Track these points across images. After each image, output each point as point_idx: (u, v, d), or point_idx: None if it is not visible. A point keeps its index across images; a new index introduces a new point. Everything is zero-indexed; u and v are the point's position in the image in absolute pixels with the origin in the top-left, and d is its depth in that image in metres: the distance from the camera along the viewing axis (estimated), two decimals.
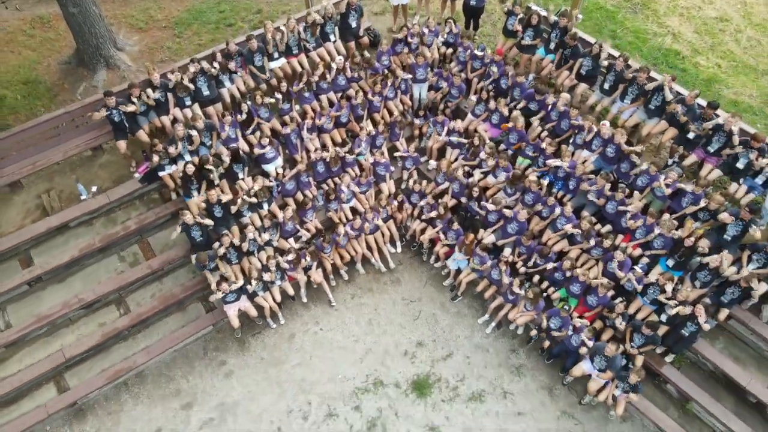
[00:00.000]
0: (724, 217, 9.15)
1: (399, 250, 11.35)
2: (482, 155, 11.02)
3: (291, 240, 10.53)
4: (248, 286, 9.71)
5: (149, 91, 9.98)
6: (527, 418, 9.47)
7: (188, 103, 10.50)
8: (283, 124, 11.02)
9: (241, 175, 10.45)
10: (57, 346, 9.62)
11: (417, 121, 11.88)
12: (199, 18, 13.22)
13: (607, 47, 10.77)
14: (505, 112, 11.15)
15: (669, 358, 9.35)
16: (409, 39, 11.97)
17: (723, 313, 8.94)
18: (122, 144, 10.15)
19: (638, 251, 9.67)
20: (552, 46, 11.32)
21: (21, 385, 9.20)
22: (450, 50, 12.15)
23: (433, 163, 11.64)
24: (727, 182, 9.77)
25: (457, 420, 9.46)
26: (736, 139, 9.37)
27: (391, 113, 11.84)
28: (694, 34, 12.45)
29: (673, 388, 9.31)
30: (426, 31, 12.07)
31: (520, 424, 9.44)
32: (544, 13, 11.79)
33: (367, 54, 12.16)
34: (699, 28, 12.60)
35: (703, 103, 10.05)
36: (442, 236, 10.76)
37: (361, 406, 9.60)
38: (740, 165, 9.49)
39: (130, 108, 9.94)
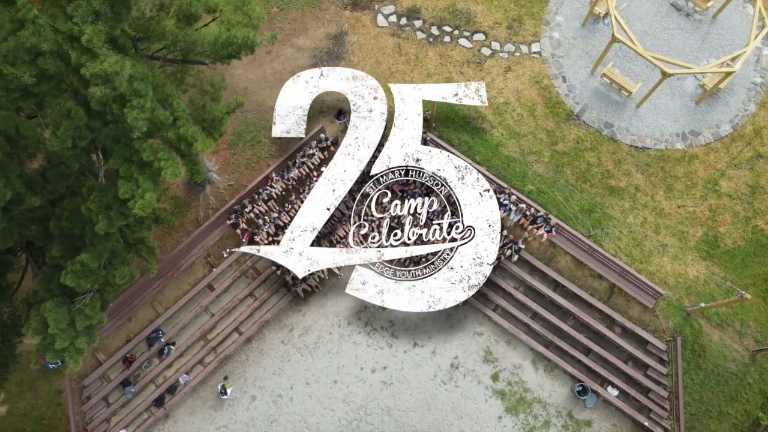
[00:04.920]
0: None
1: None
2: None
3: None
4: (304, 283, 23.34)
5: (247, 207, 22.58)
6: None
7: (259, 207, 23.04)
8: None
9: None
10: (231, 319, 23.36)
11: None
12: (240, 138, 24.73)
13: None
14: None
15: None
16: None
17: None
18: (237, 231, 22.89)
19: None
20: None
21: (218, 341, 23.10)
22: None
23: None
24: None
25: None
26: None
27: None
28: (493, 116, 24.76)
29: None
30: None
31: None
32: None
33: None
34: (494, 111, 24.85)
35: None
36: None
37: (361, 317, 23.84)
38: (503, 201, 22.89)
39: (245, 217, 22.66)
